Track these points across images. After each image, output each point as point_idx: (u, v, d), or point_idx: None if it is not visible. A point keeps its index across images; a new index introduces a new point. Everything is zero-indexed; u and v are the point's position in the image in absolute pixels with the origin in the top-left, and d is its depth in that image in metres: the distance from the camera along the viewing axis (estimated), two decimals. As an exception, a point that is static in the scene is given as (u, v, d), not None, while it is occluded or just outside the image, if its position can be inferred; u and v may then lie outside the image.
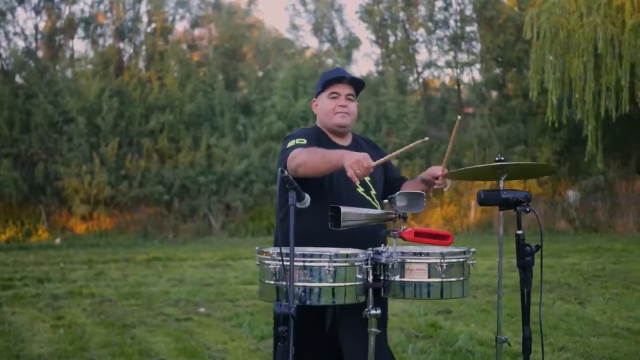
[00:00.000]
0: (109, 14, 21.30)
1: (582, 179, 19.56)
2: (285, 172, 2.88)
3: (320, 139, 3.55)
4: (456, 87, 22.89)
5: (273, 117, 18.99)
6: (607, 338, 6.34)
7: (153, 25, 21.32)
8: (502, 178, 3.04)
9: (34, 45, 21.12)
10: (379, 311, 3.10)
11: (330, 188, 3.40)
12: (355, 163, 3.02)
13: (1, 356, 5.87)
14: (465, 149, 20.17)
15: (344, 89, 3.59)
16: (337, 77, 3.58)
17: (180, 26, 22.56)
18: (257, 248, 3.20)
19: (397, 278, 3.09)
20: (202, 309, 8.19)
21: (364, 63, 46.72)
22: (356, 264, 3.05)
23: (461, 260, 3.13)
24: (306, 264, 2.99)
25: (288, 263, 2.91)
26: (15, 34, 21.04)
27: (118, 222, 18.66)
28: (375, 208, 3.43)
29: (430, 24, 22.46)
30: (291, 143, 3.44)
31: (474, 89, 22.49)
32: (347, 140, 3.65)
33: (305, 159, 3.24)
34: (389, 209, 3.13)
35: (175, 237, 18.17)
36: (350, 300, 3.05)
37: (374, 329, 3.12)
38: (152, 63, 20.56)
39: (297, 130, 3.74)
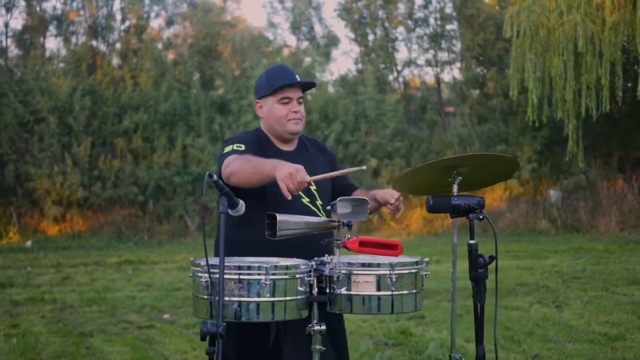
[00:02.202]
0: (81, 12, 20.89)
1: (564, 179, 19.41)
2: (214, 177, 2.61)
3: (262, 144, 3.29)
4: (436, 85, 22.67)
5: (250, 117, 18.65)
6: (582, 344, 6.12)
7: (127, 23, 20.95)
8: (456, 182, 2.76)
9: (4, 43, 20.68)
10: (323, 327, 2.85)
11: (274, 196, 3.13)
12: (288, 177, 2.76)
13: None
14: (446, 149, 19.98)
15: (295, 93, 3.31)
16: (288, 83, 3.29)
17: (155, 24, 22.19)
18: (191, 259, 2.92)
19: (344, 291, 2.83)
20: (166, 316, 7.90)
21: (343, 61, 46.43)
22: (297, 276, 2.79)
23: (413, 271, 2.87)
24: (241, 277, 2.72)
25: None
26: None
27: (91, 224, 18.27)
28: None
29: (409, 22, 22.22)
30: (228, 148, 3.18)
31: (455, 87, 22.28)
32: (292, 145, 3.38)
33: (237, 167, 3.00)
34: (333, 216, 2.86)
35: (150, 238, 17.81)
36: (291, 316, 2.79)
37: (318, 346, 2.86)
38: (125, 61, 20.18)
39: (238, 133, 3.47)
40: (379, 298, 2.82)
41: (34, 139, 17.94)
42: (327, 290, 2.87)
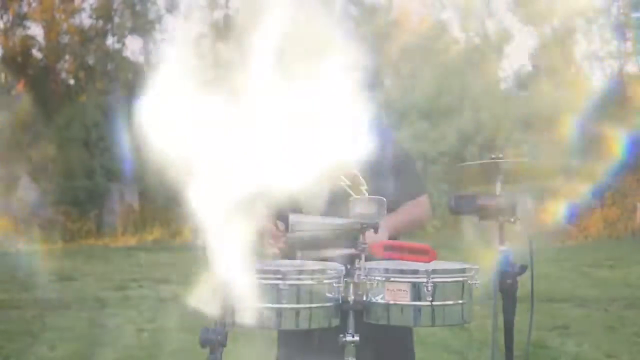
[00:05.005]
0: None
1: None
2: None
3: None
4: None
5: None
6: None
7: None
8: (499, 181, 2.41)
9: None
10: (356, 338, 2.57)
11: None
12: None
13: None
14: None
15: None
16: None
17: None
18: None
19: (380, 299, 2.55)
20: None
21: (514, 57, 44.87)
22: (325, 281, 2.53)
23: (459, 279, 2.53)
24: (262, 281, 2.52)
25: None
26: (163, 41, 21.82)
27: (263, 224, 18.78)
28: None
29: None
30: None
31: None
32: None
33: None
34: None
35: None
36: (318, 325, 2.54)
37: (350, 359, 2.58)
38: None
39: None
40: (417, 308, 2.51)
41: (205, 141, 18.77)
42: (364, 298, 2.60)
